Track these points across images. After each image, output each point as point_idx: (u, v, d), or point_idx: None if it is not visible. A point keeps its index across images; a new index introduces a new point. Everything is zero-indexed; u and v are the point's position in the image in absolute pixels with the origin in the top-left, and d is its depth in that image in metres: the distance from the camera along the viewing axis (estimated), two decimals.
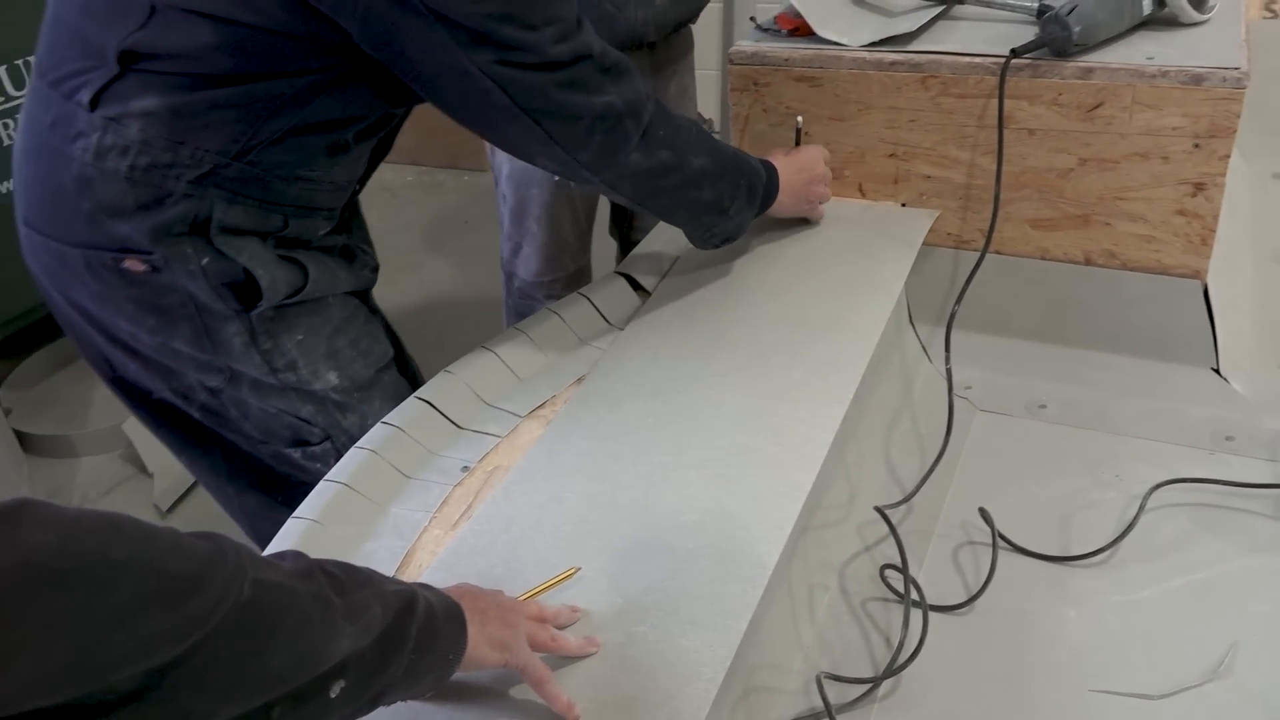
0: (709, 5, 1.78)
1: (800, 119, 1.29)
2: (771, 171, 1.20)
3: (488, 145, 1.89)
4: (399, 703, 0.68)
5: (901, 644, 0.91)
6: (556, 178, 1.83)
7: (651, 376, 1.06)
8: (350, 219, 1.18)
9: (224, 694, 0.52)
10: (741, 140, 1.39)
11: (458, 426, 1.03)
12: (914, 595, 0.94)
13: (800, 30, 1.33)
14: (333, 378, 1.09)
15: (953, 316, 1.18)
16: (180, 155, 0.94)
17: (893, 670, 0.90)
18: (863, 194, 1.35)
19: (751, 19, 1.42)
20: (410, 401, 1.03)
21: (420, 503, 0.93)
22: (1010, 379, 1.25)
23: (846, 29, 1.29)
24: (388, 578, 0.67)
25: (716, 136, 2.00)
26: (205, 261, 0.98)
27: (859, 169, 1.34)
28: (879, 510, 1.00)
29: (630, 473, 0.93)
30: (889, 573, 0.98)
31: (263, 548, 0.85)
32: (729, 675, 0.74)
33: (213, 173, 0.95)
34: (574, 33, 0.95)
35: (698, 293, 1.19)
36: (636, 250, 1.29)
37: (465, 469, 0.96)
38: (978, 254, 1.22)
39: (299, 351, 1.06)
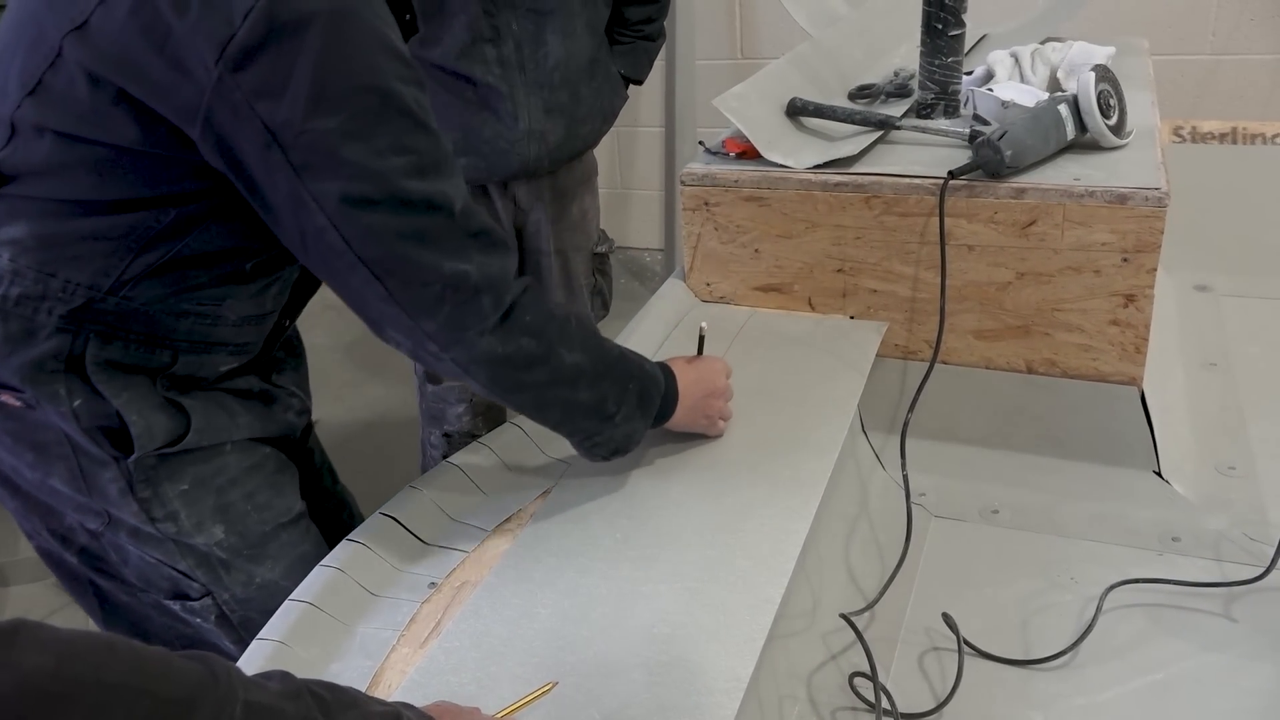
0: (651, 130, 1.86)
1: (704, 325, 1.16)
2: (670, 378, 1.07)
3: None
4: None
5: None
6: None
7: (617, 491, 1.07)
8: (277, 356, 1.12)
9: None
10: (694, 258, 1.44)
11: (423, 542, 1.02)
12: (885, 704, 0.95)
13: (747, 154, 1.39)
14: (218, 532, 1.02)
15: (906, 425, 1.21)
16: (51, 287, 0.88)
17: None
18: (812, 308, 1.40)
19: (700, 143, 1.48)
20: (375, 518, 1.02)
21: (388, 620, 0.92)
22: (963, 485, 1.28)
23: (791, 152, 1.36)
24: (372, 698, 0.66)
25: (612, 258, 2.09)
26: (77, 403, 0.91)
27: (808, 284, 1.39)
28: (845, 617, 1.01)
29: (601, 587, 0.93)
30: (858, 681, 0.98)
31: None
32: None
33: (87, 307, 0.89)
34: (435, 173, 0.85)
35: None
36: None
37: (433, 585, 0.96)
38: (925, 363, 1.27)
39: (182, 503, 0.99)
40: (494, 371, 0.92)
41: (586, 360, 0.96)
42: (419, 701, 0.74)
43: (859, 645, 1.00)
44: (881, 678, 0.97)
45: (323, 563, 0.96)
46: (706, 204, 1.39)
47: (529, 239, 1.97)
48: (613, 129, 2.01)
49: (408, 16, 0.96)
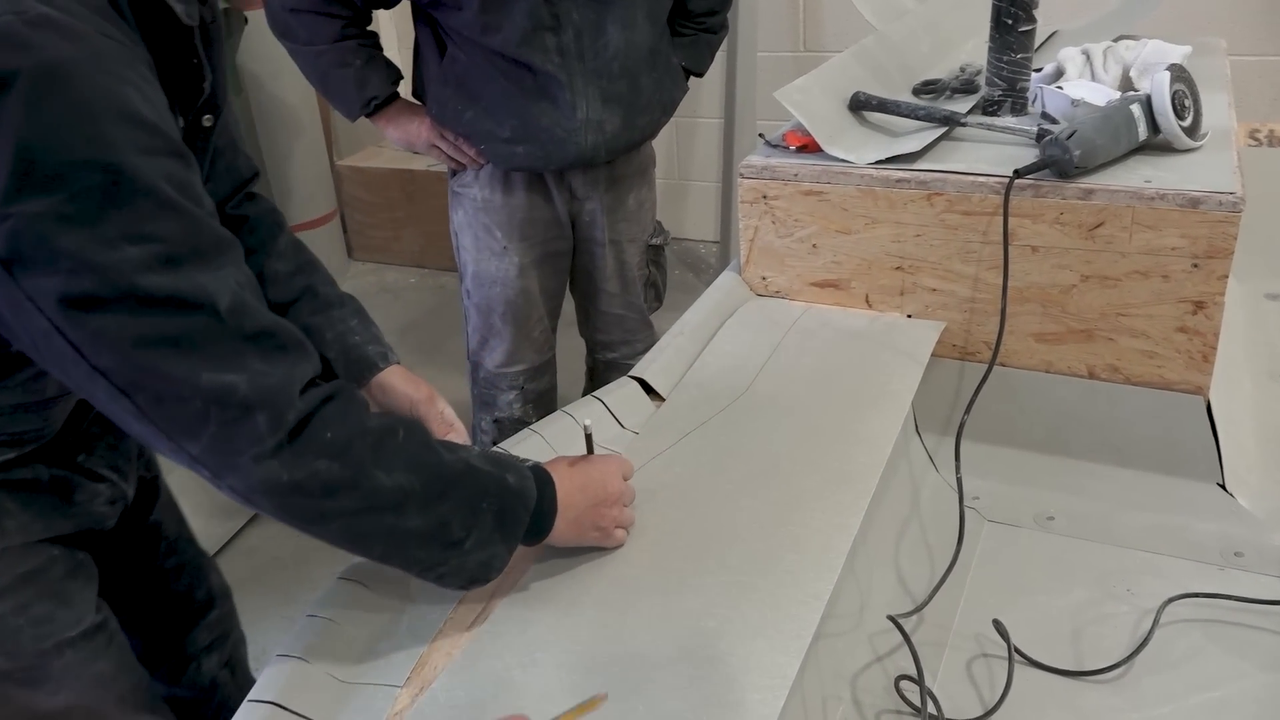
0: (710, 121, 1.85)
1: (588, 423, 0.99)
2: (546, 488, 0.90)
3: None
4: None
5: None
6: (516, 273, 1.90)
7: (667, 482, 1.06)
8: (91, 432, 0.99)
9: None
10: (750, 251, 1.42)
11: None
12: (931, 709, 0.93)
13: (808, 147, 1.37)
14: None
15: (961, 427, 1.20)
16: None
17: None
18: (869, 305, 1.38)
19: (760, 135, 1.47)
20: None
21: (436, 597, 0.92)
22: (1018, 490, 1.26)
23: (853, 147, 1.34)
24: None
25: (667, 249, 2.07)
26: None
27: (866, 280, 1.37)
28: (892, 619, 1.00)
29: (648, 578, 0.93)
30: (904, 684, 0.97)
31: None
32: None
33: None
34: (189, 265, 0.70)
35: (712, 401, 1.21)
36: (650, 354, 1.30)
37: None
38: (982, 365, 1.24)
39: None
40: (283, 501, 0.76)
41: (416, 481, 0.80)
42: (465, 687, 0.74)
43: (906, 648, 0.98)
44: (928, 682, 0.96)
45: None
46: (765, 197, 1.38)
47: (583, 229, 1.97)
48: (672, 120, 2.01)
49: (199, 81, 0.84)
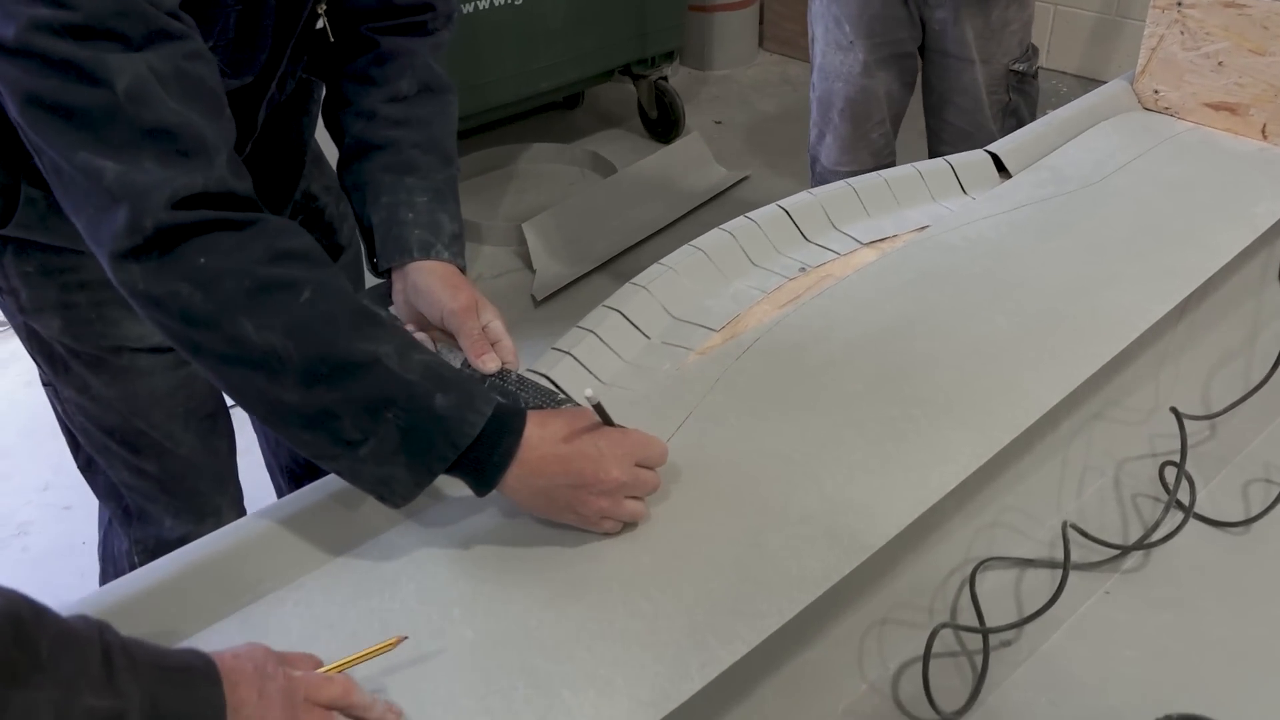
0: None
1: (589, 392, 0.78)
2: (503, 436, 0.75)
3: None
4: None
5: (1157, 525, 0.95)
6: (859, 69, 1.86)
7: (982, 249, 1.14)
8: None
9: None
10: (1149, 61, 1.38)
11: (805, 237, 1.16)
12: (1184, 495, 0.96)
13: None
14: (55, 327, 0.99)
15: None
16: None
17: (1143, 545, 0.94)
18: (1264, 136, 1.31)
19: None
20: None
21: (759, 283, 1.08)
22: None
23: None
24: (122, 671, 0.53)
25: (1032, 78, 1.84)
26: None
27: (1268, 108, 1.29)
28: (1175, 411, 1.02)
29: (950, 305, 1.03)
30: (1168, 470, 1.01)
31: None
32: (979, 508, 0.84)
33: None
34: (99, 39, 0.69)
35: (1059, 184, 1.23)
36: (1012, 135, 1.33)
37: (803, 269, 1.10)
38: None
39: (22, 283, 0.97)
40: (147, 312, 0.73)
41: (292, 349, 0.71)
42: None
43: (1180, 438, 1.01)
44: (1200, 488, 0.98)
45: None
46: (1179, 3, 1.32)
47: (932, 37, 1.86)
48: None
49: None
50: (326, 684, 0.63)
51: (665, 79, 3.20)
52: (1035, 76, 1.91)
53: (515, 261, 2.66)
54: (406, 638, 0.69)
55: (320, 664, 0.66)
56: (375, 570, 0.78)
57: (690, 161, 2.98)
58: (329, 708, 0.62)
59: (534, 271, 2.53)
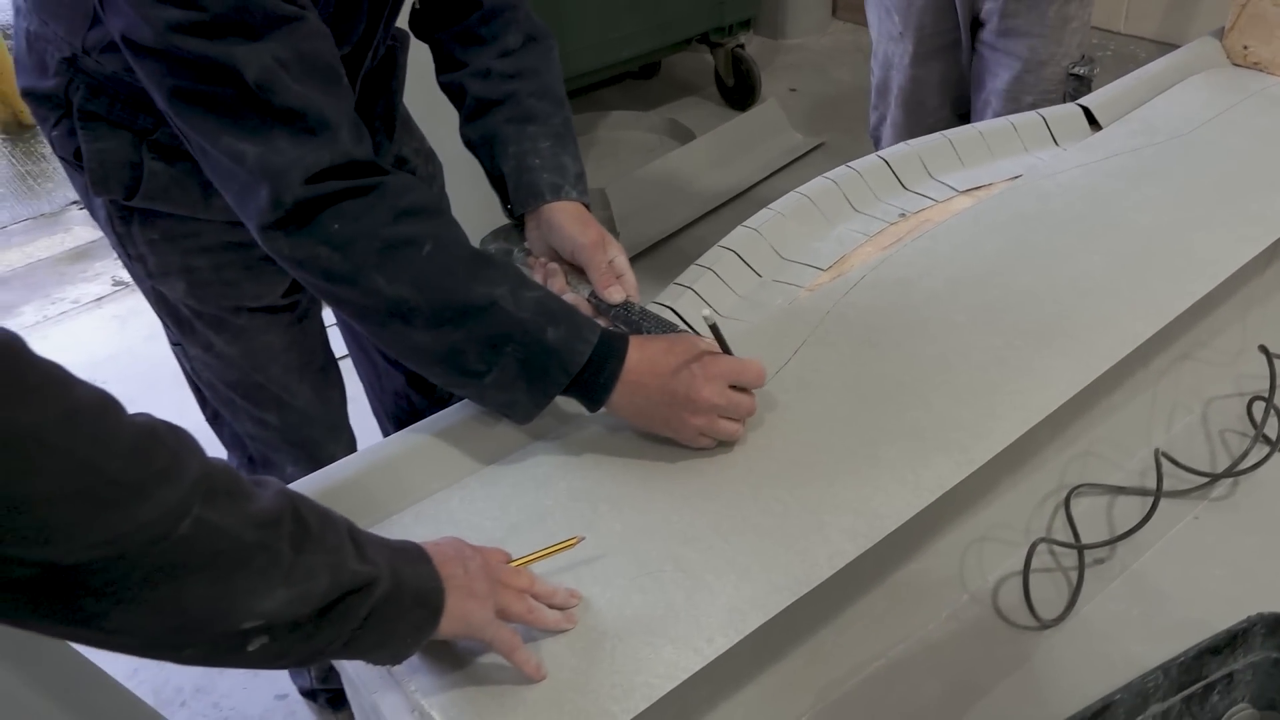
0: None
1: (706, 312, 0.86)
2: (608, 360, 0.85)
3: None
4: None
5: (1245, 454, 0.99)
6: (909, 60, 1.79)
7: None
8: None
9: (126, 612, 0.51)
10: (1239, 16, 1.41)
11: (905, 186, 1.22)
12: (1271, 431, 1.01)
13: None
14: (180, 289, 1.06)
15: None
16: (46, 32, 0.93)
17: (1231, 473, 0.99)
18: None
19: None
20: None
21: (862, 227, 1.15)
22: None
23: None
24: (367, 546, 0.63)
25: (1087, 87, 1.60)
26: (54, 133, 0.97)
27: None
28: (1264, 349, 1.06)
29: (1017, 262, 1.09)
30: (1256, 404, 1.05)
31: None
32: (1074, 437, 0.90)
33: (74, 59, 0.93)
34: (227, 34, 0.76)
35: (1149, 134, 1.27)
36: (1102, 90, 1.37)
37: (903, 215, 1.17)
38: None
39: (149, 249, 1.04)
40: (296, 273, 0.83)
41: (421, 298, 0.81)
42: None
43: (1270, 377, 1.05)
44: None
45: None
46: None
47: (979, 29, 1.74)
48: None
49: None
50: (516, 574, 0.72)
51: (742, 47, 3.25)
52: (1090, 87, 1.68)
53: None
54: (585, 538, 0.77)
55: (509, 557, 0.75)
56: (528, 473, 0.87)
57: (767, 128, 3.03)
58: (515, 589, 0.71)
59: (617, 234, 2.61)
